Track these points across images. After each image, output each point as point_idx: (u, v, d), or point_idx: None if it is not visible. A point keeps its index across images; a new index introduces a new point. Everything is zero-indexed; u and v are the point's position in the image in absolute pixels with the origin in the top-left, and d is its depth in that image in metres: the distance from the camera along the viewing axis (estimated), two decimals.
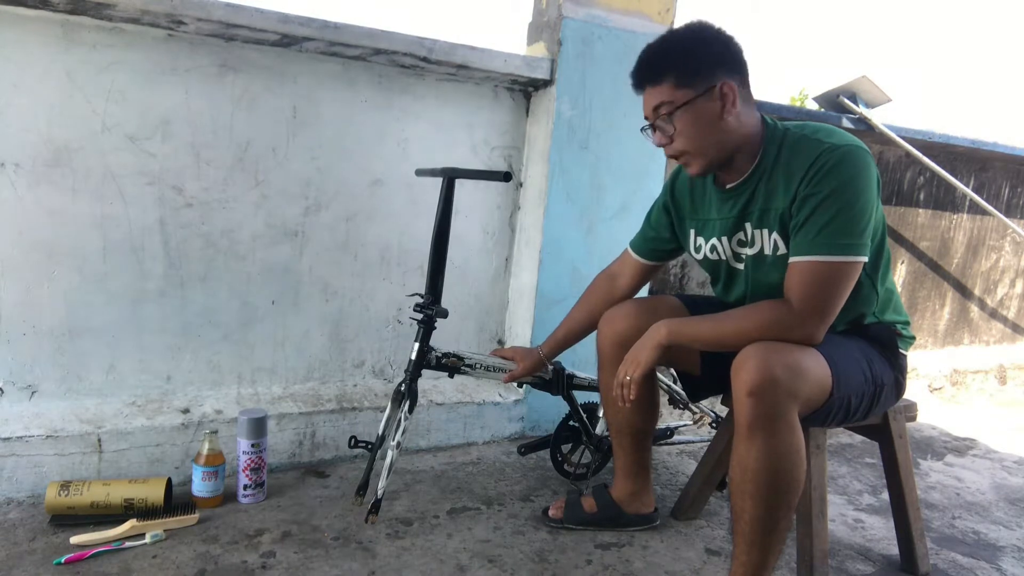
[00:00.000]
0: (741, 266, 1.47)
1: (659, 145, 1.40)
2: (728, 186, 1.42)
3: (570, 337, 1.76)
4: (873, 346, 1.44)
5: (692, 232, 1.56)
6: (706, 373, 1.61)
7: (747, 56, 1.36)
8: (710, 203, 1.50)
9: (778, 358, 1.23)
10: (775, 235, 1.37)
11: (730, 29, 1.35)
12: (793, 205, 1.31)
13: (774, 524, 1.28)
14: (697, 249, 1.56)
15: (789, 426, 1.24)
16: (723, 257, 1.50)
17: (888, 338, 1.46)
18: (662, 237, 1.64)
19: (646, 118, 1.40)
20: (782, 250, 1.36)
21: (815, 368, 1.27)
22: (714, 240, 1.49)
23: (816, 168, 1.28)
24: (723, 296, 1.57)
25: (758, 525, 1.28)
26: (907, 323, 1.51)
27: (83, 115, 1.72)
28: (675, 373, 1.96)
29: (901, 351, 1.49)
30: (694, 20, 1.37)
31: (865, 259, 1.29)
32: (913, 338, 1.52)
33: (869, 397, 1.41)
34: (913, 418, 1.67)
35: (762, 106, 2.69)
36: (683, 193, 1.57)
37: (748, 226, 1.42)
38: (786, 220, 1.34)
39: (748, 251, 1.43)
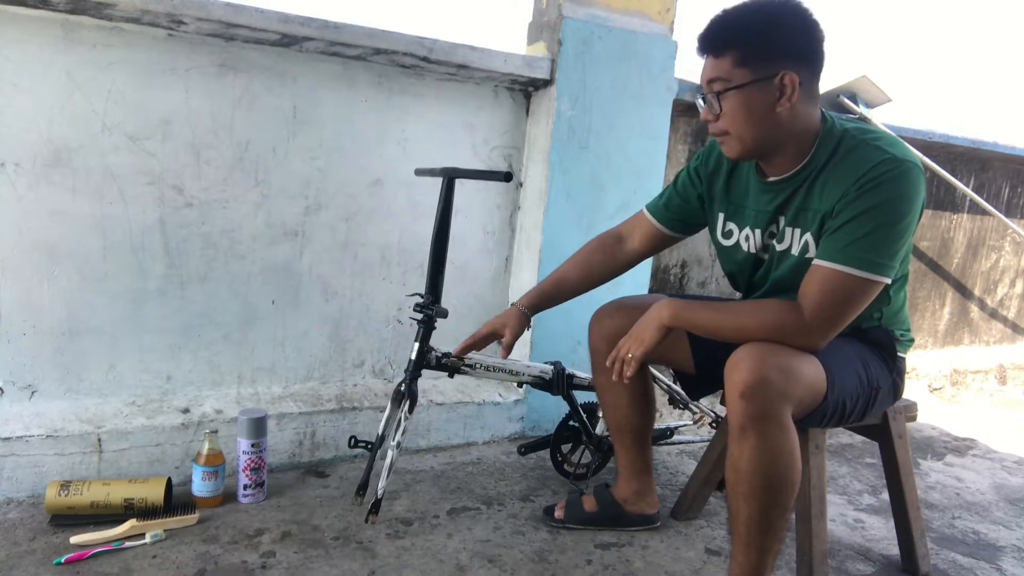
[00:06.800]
0: (766, 257, 1.42)
1: (704, 120, 1.31)
2: (771, 179, 1.36)
3: (559, 291, 1.59)
4: (870, 349, 1.43)
5: (721, 216, 1.49)
6: (700, 372, 1.60)
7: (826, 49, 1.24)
8: (746, 190, 1.42)
9: (772, 360, 1.22)
10: (808, 236, 1.31)
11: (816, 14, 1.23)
12: (837, 205, 1.24)
13: (769, 525, 1.27)
14: (727, 235, 1.48)
15: (781, 427, 1.22)
16: (752, 249, 1.44)
17: (886, 341, 1.44)
18: (689, 207, 1.54)
19: (700, 86, 1.31)
20: (810, 253, 1.31)
21: (809, 370, 1.26)
22: (747, 230, 1.43)
23: (870, 176, 1.21)
24: (740, 289, 1.52)
25: (753, 526, 1.28)
26: (907, 330, 1.50)
27: (83, 115, 1.72)
28: (674, 372, 1.96)
29: (899, 354, 1.48)
30: None
31: (888, 281, 1.26)
32: (912, 341, 1.51)
33: (864, 400, 1.40)
34: (913, 418, 1.66)
35: None
36: (719, 169, 1.48)
37: (782, 220, 1.36)
38: (825, 222, 1.28)
39: (777, 245, 1.38)
